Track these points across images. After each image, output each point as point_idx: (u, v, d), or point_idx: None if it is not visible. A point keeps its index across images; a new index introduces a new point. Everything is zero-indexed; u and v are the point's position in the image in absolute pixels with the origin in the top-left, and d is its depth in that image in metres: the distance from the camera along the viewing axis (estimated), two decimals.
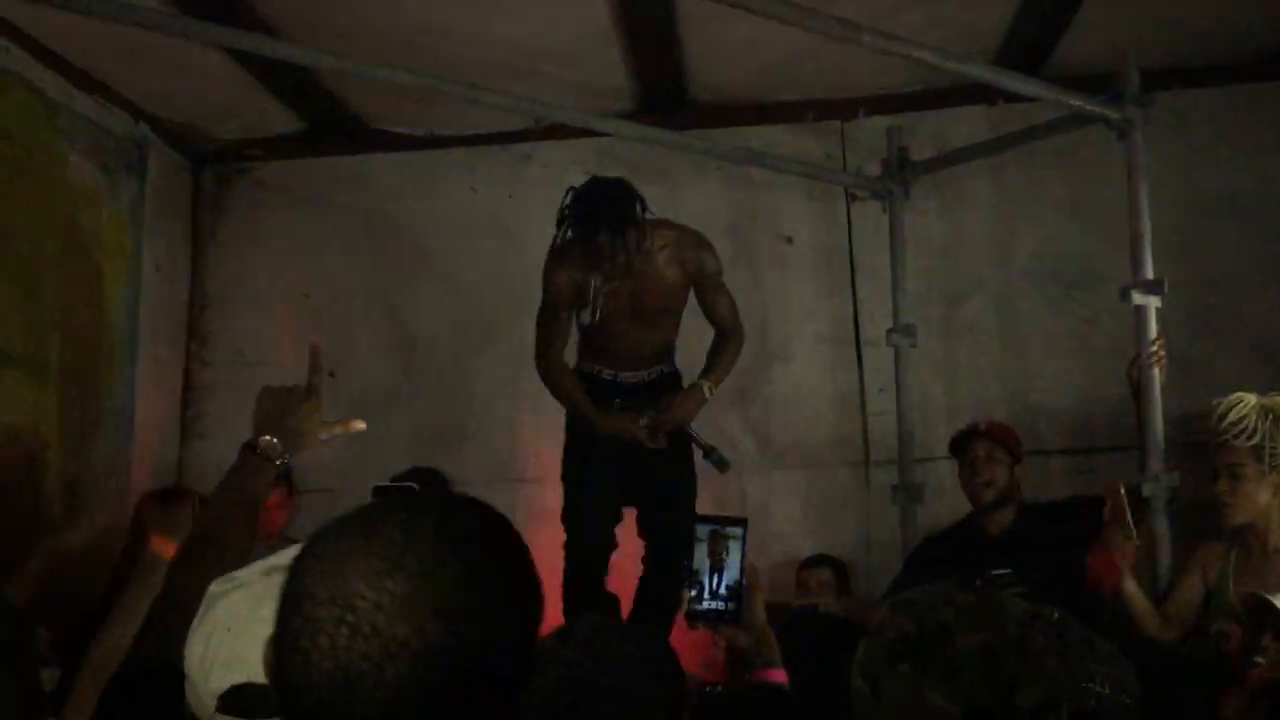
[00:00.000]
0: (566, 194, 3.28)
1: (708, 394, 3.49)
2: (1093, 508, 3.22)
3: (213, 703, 1.23)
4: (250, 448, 1.72)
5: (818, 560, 4.03)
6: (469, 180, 4.69)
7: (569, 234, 3.27)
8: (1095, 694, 1.14)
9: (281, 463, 1.72)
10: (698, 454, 3.50)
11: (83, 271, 4.12)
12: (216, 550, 1.50)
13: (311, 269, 4.71)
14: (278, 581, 1.30)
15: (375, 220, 4.70)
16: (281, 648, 0.93)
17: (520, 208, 4.55)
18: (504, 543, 0.99)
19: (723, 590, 2.08)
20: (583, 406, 3.49)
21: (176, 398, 4.66)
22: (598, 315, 3.36)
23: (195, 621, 1.29)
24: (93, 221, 4.16)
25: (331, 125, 4.64)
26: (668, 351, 3.60)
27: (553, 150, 4.57)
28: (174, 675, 1.28)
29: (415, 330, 4.66)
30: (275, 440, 1.71)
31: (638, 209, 3.24)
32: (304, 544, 0.99)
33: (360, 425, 1.85)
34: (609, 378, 3.52)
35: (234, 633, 1.26)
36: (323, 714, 0.90)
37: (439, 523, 0.95)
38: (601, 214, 3.20)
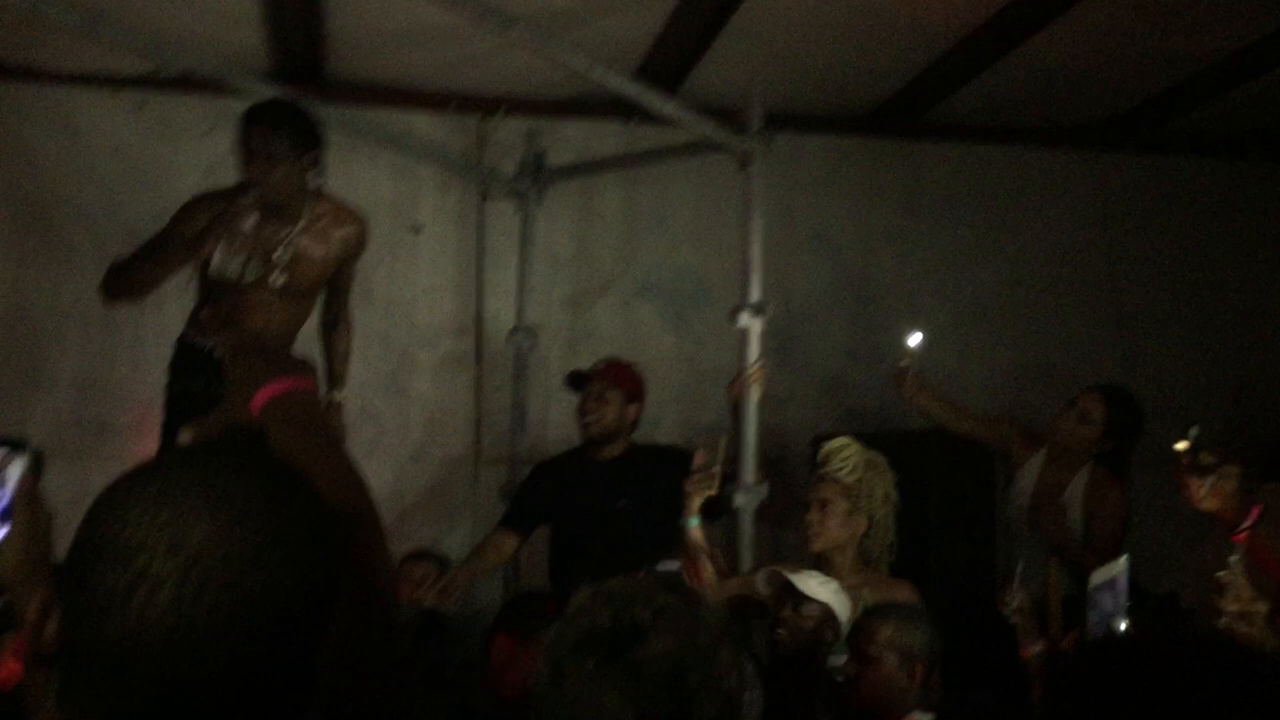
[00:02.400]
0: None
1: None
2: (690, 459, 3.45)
3: None
4: None
5: (418, 555, 3.98)
6: (67, 123, 4.23)
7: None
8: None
9: None
10: None
11: None
12: None
13: None
14: None
15: None
16: (99, 606, 0.82)
17: (126, 161, 4.17)
18: (311, 493, 0.95)
19: None
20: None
21: None
22: (256, 274, 3.18)
23: None
24: None
25: None
26: (290, 340, 3.38)
27: (170, 104, 4.24)
28: None
29: None
30: None
31: (318, 136, 3.16)
32: (109, 493, 0.88)
33: None
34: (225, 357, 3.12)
35: None
36: (156, 677, 0.82)
37: (271, 470, 0.92)
38: (279, 117, 3.12)
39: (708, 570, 3.30)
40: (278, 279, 3.25)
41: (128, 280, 3.17)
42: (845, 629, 2.83)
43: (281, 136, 3.09)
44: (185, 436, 1.35)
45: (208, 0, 3.72)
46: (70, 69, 4.14)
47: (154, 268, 3.16)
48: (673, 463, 3.59)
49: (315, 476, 1.13)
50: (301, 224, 3.26)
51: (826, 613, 2.84)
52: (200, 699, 0.84)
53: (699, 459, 3.37)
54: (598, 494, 3.67)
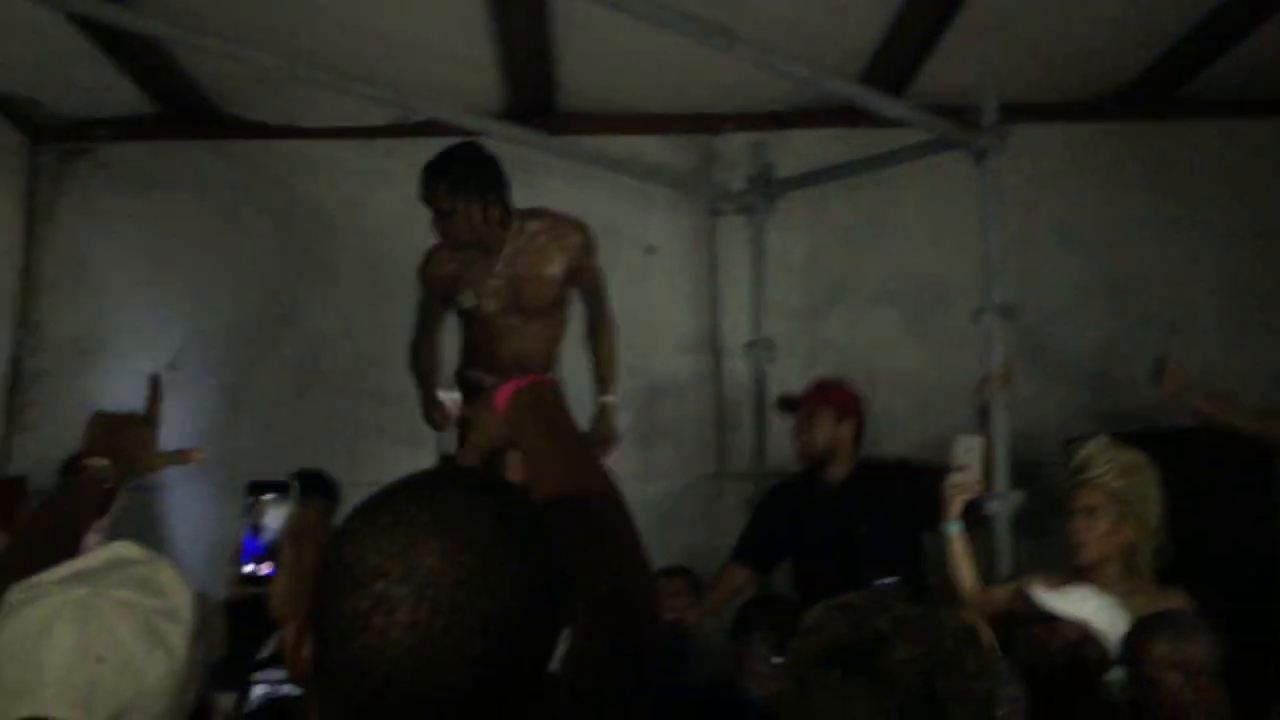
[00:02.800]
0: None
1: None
2: (923, 472, 3.42)
3: None
4: (78, 468, 1.60)
5: (670, 571, 4.02)
6: (329, 174, 4.56)
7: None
8: None
9: (109, 487, 1.61)
10: None
11: None
12: (34, 569, 1.38)
13: (156, 258, 4.49)
14: (77, 596, 1.18)
15: (227, 210, 4.53)
16: (343, 629, 0.88)
17: (382, 202, 4.44)
18: (537, 514, 0.98)
19: None
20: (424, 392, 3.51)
21: (2, 385, 4.39)
22: (473, 302, 3.32)
23: None
24: None
25: (184, 109, 4.44)
26: (552, 357, 3.47)
27: (417, 148, 4.42)
28: None
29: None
30: (107, 464, 1.60)
31: (488, 172, 3.23)
32: (349, 520, 0.94)
33: (200, 455, 1.78)
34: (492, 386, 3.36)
35: (21, 660, 1.14)
36: (391, 696, 0.87)
37: (497, 498, 0.95)
38: (440, 168, 3.20)
39: (970, 579, 3.18)
40: (490, 304, 3.36)
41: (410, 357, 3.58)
42: (1118, 644, 2.66)
43: (453, 189, 3.18)
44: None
45: (444, 50, 3.93)
46: (327, 124, 4.45)
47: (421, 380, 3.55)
48: (904, 478, 3.54)
49: (554, 471, 1.16)
50: (508, 249, 3.33)
51: (1083, 631, 2.67)
52: (441, 716, 0.87)
53: (958, 462, 3.25)
54: (833, 520, 3.57)
